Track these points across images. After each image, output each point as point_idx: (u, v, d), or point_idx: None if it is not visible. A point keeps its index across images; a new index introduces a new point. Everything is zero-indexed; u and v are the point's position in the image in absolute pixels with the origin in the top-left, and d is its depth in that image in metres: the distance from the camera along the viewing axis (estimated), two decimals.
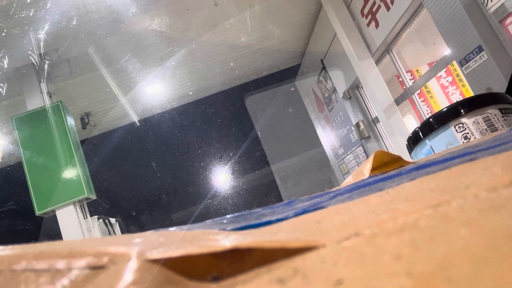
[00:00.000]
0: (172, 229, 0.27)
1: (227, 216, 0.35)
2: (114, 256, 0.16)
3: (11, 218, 8.82)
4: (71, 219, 4.66)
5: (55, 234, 4.84)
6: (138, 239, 0.20)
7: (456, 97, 5.59)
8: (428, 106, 5.63)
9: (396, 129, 5.20)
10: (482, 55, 3.34)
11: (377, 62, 5.41)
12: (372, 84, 5.32)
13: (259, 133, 9.90)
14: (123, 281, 0.14)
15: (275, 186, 10.34)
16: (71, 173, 4.76)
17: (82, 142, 7.66)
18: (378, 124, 6.17)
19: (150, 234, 0.22)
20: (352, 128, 6.78)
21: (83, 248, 0.17)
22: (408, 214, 0.18)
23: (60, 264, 0.16)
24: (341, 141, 7.71)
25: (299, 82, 9.11)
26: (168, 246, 0.17)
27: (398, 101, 5.29)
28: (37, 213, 4.62)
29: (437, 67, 4.62)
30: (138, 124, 8.07)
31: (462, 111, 0.99)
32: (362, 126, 6.38)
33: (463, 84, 5.64)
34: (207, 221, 0.36)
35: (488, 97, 1.02)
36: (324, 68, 7.36)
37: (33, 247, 0.18)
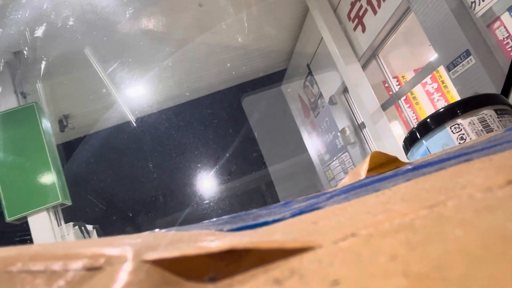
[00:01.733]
0: (168, 230, 0.27)
1: (224, 217, 0.35)
2: (110, 257, 0.16)
3: None
4: (44, 226, 4.40)
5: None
6: (135, 240, 0.20)
7: (442, 104, 5.65)
8: (414, 112, 5.63)
9: (383, 135, 5.18)
10: (470, 59, 3.32)
11: (364, 67, 5.38)
12: (358, 89, 5.29)
13: (244, 138, 9.82)
14: (119, 282, 0.15)
15: (260, 192, 10.29)
16: (45, 178, 4.51)
17: (64, 144, 7.38)
18: (364, 129, 6.13)
19: (146, 235, 0.22)
20: (338, 133, 6.71)
21: (79, 249, 0.17)
22: (404, 215, 0.18)
23: (56, 266, 0.16)
24: (327, 147, 7.65)
25: (285, 87, 9.00)
26: (165, 247, 0.17)
27: (384, 107, 5.26)
28: (7, 219, 4.37)
29: (424, 72, 4.57)
30: (121, 127, 7.87)
31: (458, 111, 0.99)
32: (348, 132, 6.33)
33: (448, 91, 5.67)
34: (204, 221, 0.36)
35: (484, 98, 1.03)
36: (310, 73, 7.30)
37: (28, 248, 0.18)
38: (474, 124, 0.96)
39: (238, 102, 9.12)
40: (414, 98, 5.71)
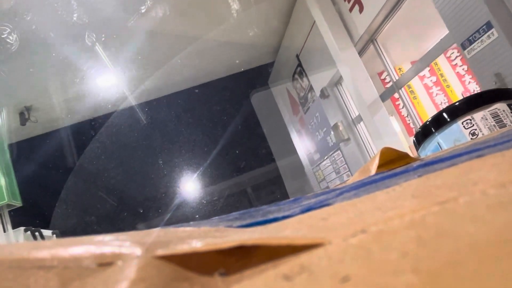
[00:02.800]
0: (178, 226, 0.28)
1: (234, 213, 0.35)
2: (122, 253, 0.17)
3: None
4: None
5: None
6: (146, 236, 0.20)
7: (441, 98, 5.31)
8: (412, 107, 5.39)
9: (382, 129, 4.65)
10: (492, 33, 2.82)
11: (360, 53, 4.93)
12: (354, 77, 4.79)
13: (227, 139, 9.53)
14: (130, 277, 0.15)
15: (245, 195, 10.07)
16: None
17: (28, 140, 6.84)
18: (359, 124, 5.62)
19: (157, 231, 0.22)
20: (331, 130, 6.17)
21: (91, 245, 0.17)
22: (415, 211, 0.18)
23: (68, 261, 0.17)
24: (317, 145, 7.12)
25: (272, 81, 8.46)
26: (176, 243, 0.17)
27: (383, 98, 4.81)
28: None
29: (432, 53, 3.98)
30: (90, 122, 7.31)
31: (470, 106, 0.98)
32: (341, 127, 5.79)
33: (447, 85, 5.41)
34: (214, 218, 0.37)
35: (496, 92, 1.02)
36: (300, 64, 6.77)
37: (41, 244, 0.19)
38: (486, 119, 0.94)
39: (212, 100, 8.77)
40: (412, 92, 5.34)
